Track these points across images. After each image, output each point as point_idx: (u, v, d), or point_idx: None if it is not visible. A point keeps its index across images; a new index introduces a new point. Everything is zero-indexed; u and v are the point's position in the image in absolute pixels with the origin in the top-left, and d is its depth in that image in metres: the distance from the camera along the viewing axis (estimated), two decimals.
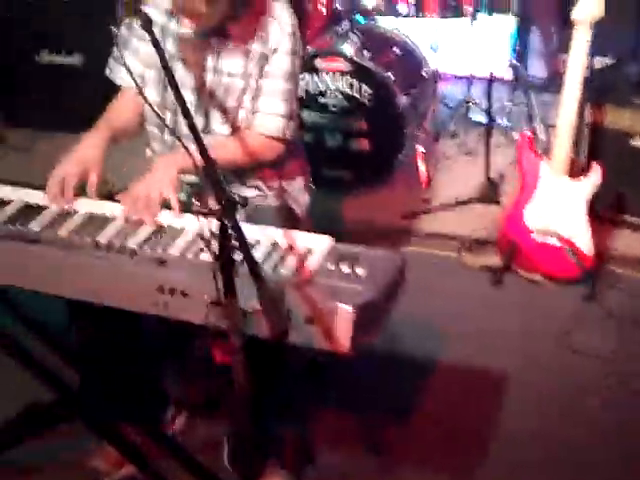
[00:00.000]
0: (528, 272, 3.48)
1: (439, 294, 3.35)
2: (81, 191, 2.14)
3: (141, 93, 1.95)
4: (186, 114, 1.74)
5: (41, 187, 2.16)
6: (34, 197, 2.13)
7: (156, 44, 1.82)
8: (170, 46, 2.30)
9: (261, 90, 2.32)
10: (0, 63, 4.89)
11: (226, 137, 2.34)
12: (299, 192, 2.58)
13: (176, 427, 2.62)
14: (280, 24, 2.29)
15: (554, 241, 3.41)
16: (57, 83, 4.78)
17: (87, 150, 2.23)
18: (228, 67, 2.30)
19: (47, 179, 2.15)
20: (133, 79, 1.92)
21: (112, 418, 2.38)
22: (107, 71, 2.47)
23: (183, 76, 2.30)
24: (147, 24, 1.81)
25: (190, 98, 2.30)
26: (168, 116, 2.36)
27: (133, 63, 2.37)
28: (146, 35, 2.16)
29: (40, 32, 4.74)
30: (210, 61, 2.30)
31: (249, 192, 2.43)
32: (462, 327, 3.17)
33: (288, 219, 2.43)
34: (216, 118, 2.33)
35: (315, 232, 2.00)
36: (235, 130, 2.35)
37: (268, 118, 2.33)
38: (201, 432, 2.62)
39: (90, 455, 2.47)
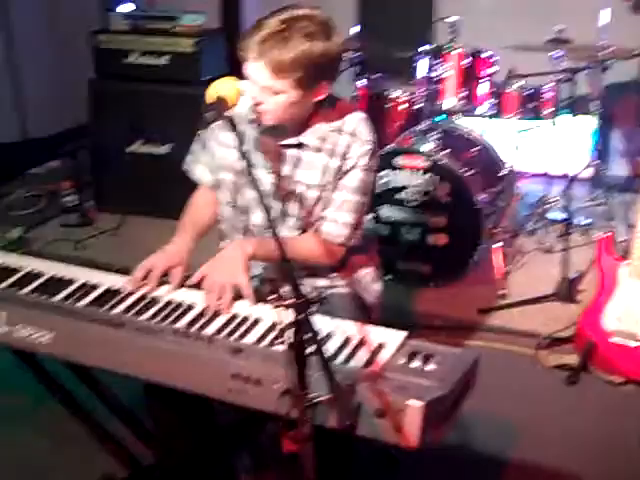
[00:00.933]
0: (605, 373, 3.42)
1: (513, 391, 3.31)
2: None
3: (251, 177, 2.00)
4: (266, 209, 1.82)
5: (127, 270, 2.26)
6: (119, 282, 2.22)
7: (240, 141, 1.93)
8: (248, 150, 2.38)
9: (333, 200, 2.37)
10: (95, 151, 5.14)
11: (296, 237, 2.40)
12: (369, 282, 2.61)
13: None
14: (360, 142, 2.33)
15: (633, 343, 3.35)
16: (145, 171, 5.00)
17: (174, 248, 2.36)
18: (305, 178, 2.36)
19: (134, 267, 2.25)
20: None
21: None
22: (184, 165, 2.58)
23: (259, 178, 2.34)
24: (231, 125, 1.92)
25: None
26: (240, 218, 2.45)
27: (209, 163, 2.49)
28: (222, 138, 2.27)
29: (133, 124, 4.99)
30: (287, 169, 2.37)
31: (320, 282, 2.47)
32: (536, 427, 3.11)
33: (359, 307, 2.47)
34: (286, 223, 2.39)
35: (387, 323, 2.02)
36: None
37: (334, 227, 2.38)
38: None
39: None
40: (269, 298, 1.67)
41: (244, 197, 2.41)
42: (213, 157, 2.47)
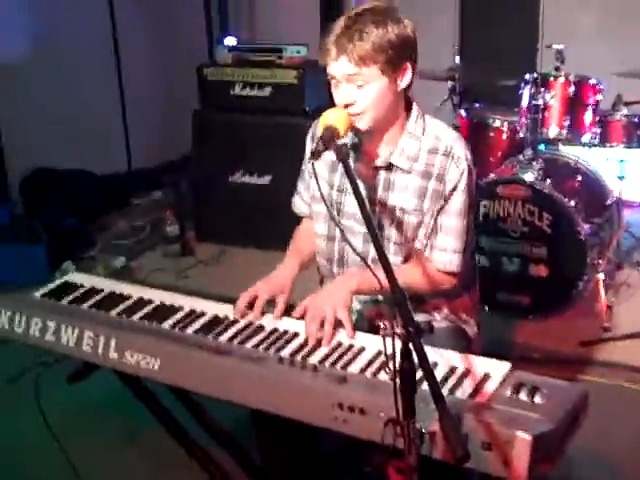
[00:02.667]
0: None
1: (619, 428, 3.21)
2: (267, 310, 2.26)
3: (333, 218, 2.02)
4: (374, 236, 1.83)
5: (231, 300, 2.29)
6: (224, 311, 2.26)
7: (348, 170, 1.95)
8: (340, 181, 2.40)
9: (439, 227, 2.35)
10: (196, 182, 5.26)
11: (406, 265, 2.39)
12: (469, 314, 2.57)
13: None
14: (457, 162, 2.29)
15: None
16: (246, 202, 5.08)
17: (280, 275, 2.38)
18: (400, 202, 2.33)
19: (238, 294, 2.28)
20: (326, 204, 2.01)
21: None
22: (292, 202, 2.63)
23: (354, 207, 2.29)
24: (344, 155, 1.96)
25: (361, 229, 2.35)
26: (336, 248, 2.45)
27: (306, 195, 2.54)
28: (317, 169, 2.28)
29: (235, 155, 5.09)
30: (379, 193, 2.35)
31: (419, 317, 2.43)
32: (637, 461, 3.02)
33: (460, 339, 2.45)
34: (388, 249, 2.37)
35: (487, 355, 2.00)
36: (407, 260, 2.39)
37: (445, 255, 2.36)
38: None
39: None
40: (380, 326, 1.67)
41: (342, 227, 2.41)
42: (309, 189, 2.51)
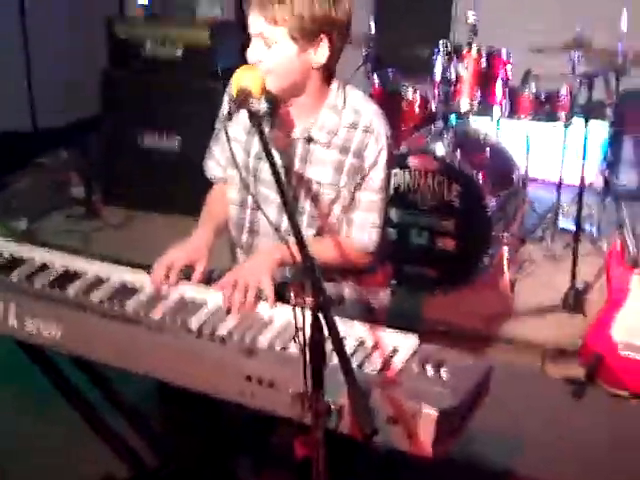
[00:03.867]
0: (613, 386, 3.39)
1: (518, 402, 3.28)
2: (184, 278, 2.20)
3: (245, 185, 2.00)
4: (288, 207, 1.81)
5: (136, 265, 2.24)
6: (130, 277, 2.19)
7: (262, 134, 1.92)
8: (259, 148, 2.34)
9: (358, 203, 2.34)
10: (104, 144, 5.12)
11: (323, 238, 2.37)
12: (379, 288, 2.58)
13: None
14: (376, 137, 2.29)
15: None
16: (155, 165, 4.97)
17: (196, 243, 2.32)
18: (317, 175, 2.32)
19: (145, 260, 2.22)
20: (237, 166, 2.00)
21: None
22: (204, 164, 2.56)
23: (269, 177, 2.27)
24: (257, 118, 1.93)
25: (276, 198, 2.31)
26: (248, 214, 2.42)
27: (220, 158, 2.48)
28: (232, 133, 2.24)
29: (143, 115, 4.96)
30: (296, 165, 2.33)
31: (327, 285, 2.40)
32: (540, 440, 3.09)
33: (366, 312, 2.44)
34: (301, 221, 2.35)
35: (394, 327, 2.00)
36: (319, 234, 2.38)
37: (364, 231, 2.36)
38: None
39: None
40: (291, 298, 1.65)
41: (256, 194, 2.38)
42: (225, 151, 2.45)
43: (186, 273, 2.22)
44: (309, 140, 2.31)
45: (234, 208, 2.45)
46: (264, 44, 2.16)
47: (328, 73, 2.29)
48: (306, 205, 2.35)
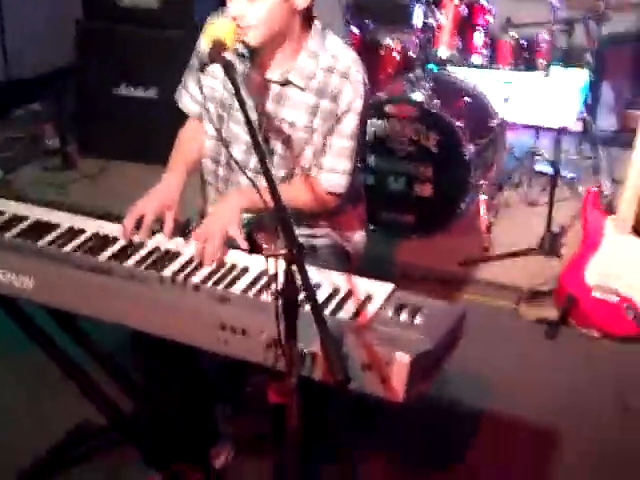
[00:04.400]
0: (585, 327, 3.44)
1: (492, 344, 3.32)
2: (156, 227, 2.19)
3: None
4: (259, 150, 1.79)
5: (111, 216, 2.22)
6: (104, 228, 2.19)
7: (235, 85, 1.90)
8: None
9: (329, 148, 2.33)
10: (80, 94, 5.06)
11: (291, 181, 2.37)
12: (353, 231, 2.59)
13: (222, 462, 2.63)
14: (353, 84, 2.27)
15: (613, 298, 3.37)
16: (131, 115, 4.92)
17: (166, 189, 2.30)
18: (290, 117, 2.31)
19: (121, 210, 2.21)
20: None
21: (161, 447, 2.43)
22: (175, 95, 2.53)
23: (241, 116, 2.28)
24: (229, 68, 1.90)
25: (246, 137, 2.31)
26: (223, 152, 2.40)
27: (195, 92, 2.44)
28: (211, 68, 2.22)
29: (121, 67, 4.90)
30: (270, 106, 2.32)
31: (302, 230, 2.41)
32: (514, 380, 3.14)
33: (341, 257, 2.46)
34: (271, 161, 2.34)
35: (368, 273, 2.01)
36: (290, 176, 2.37)
37: (333, 176, 2.35)
38: (247, 469, 2.63)
39: None
40: (263, 247, 1.64)
41: (228, 130, 2.37)
42: (198, 86, 2.41)
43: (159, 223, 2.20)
44: (285, 83, 2.29)
45: (210, 142, 2.43)
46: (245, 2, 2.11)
47: (307, 16, 2.27)
48: (277, 146, 2.34)
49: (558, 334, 3.44)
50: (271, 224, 1.69)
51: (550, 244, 3.99)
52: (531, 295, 3.65)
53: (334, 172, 2.35)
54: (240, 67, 2.29)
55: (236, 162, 2.09)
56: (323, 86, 2.28)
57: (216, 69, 2.30)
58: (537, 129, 4.63)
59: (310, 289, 1.60)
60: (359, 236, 2.61)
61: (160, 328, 1.90)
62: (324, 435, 2.36)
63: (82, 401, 2.38)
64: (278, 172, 2.34)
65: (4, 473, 2.53)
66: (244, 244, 2.09)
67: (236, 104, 2.27)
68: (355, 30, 4.57)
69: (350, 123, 2.31)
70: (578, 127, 4.82)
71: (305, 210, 2.36)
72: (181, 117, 2.55)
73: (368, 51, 4.45)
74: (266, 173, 1.75)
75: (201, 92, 2.17)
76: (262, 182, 1.75)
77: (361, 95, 2.30)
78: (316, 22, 2.30)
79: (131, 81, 4.93)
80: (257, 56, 2.29)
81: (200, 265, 2.04)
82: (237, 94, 1.89)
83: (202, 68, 2.04)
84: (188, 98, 2.49)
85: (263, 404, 2.18)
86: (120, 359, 2.44)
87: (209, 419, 2.57)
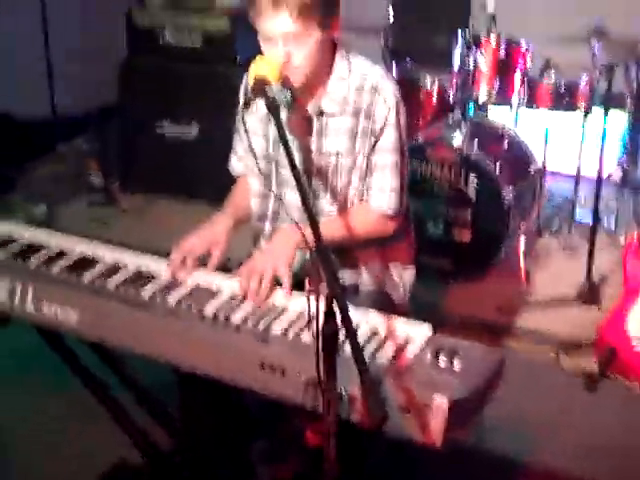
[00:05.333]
0: (626, 380, 3.38)
1: (531, 395, 3.27)
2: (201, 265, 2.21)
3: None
4: (303, 192, 1.80)
5: (153, 252, 2.25)
6: (147, 263, 2.22)
7: (278, 122, 1.91)
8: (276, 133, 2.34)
9: (374, 167, 2.30)
10: (123, 131, 5.14)
11: (343, 214, 2.33)
12: (400, 275, 2.56)
13: None
14: (384, 97, 2.25)
15: None
16: (173, 152, 4.99)
17: (214, 229, 2.32)
18: (334, 147, 2.28)
19: (162, 246, 2.23)
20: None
21: None
22: (229, 163, 2.56)
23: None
24: (274, 106, 1.92)
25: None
26: (271, 203, 2.42)
27: (241, 151, 2.48)
28: (249, 126, 2.23)
29: (162, 103, 4.99)
30: (314, 141, 2.30)
31: (345, 274, 2.41)
32: (553, 432, 3.09)
33: (385, 304, 2.41)
34: (324, 198, 2.34)
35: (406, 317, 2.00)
36: (343, 208, 2.34)
37: (382, 195, 2.31)
38: None
39: None
40: (306, 286, 1.65)
41: (278, 178, 2.38)
42: (242, 145, 2.46)
43: (204, 260, 2.22)
44: (321, 113, 2.28)
45: (256, 199, 2.45)
46: (290, 39, 2.09)
47: (335, 42, 2.27)
48: (327, 181, 2.31)
49: (598, 386, 3.37)
50: (314, 264, 1.69)
51: (590, 293, 3.95)
52: (571, 346, 3.61)
53: (383, 190, 2.31)
54: (283, 112, 2.27)
55: (288, 207, 2.06)
56: (357, 105, 2.26)
57: (253, 124, 2.32)
58: (577, 176, 4.61)
59: (351, 327, 1.60)
60: (408, 274, 2.58)
61: (200, 365, 1.91)
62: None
63: (122, 439, 2.39)
64: (330, 208, 2.33)
65: None
66: (287, 285, 2.08)
67: (281, 151, 2.31)
68: (395, 71, 4.60)
69: (389, 137, 2.28)
70: (618, 175, 4.79)
71: (360, 238, 2.33)
72: (223, 155, 2.59)
73: (407, 93, 4.44)
74: (308, 211, 1.76)
75: (247, 135, 2.18)
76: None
77: (394, 107, 2.26)
78: (340, 47, 2.29)
79: (173, 118, 5.00)
80: (295, 96, 2.25)
81: (241, 303, 2.05)
82: (278, 127, 1.89)
83: (246, 105, 2.05)
84: (235, 159, 2.52)
85: (301, 445, 2.19)
86: (161, 395, 2.45)
87: (245, 459, 2.57)
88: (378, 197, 2.32)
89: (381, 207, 2.33)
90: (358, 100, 2.26)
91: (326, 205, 2.35)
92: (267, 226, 2.46)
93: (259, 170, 2.34)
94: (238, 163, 2.52)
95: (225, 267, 2.23)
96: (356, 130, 2.27)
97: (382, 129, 2.27)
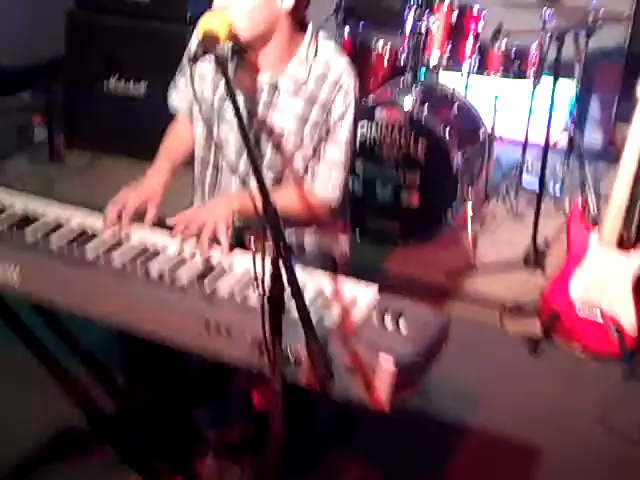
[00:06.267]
0: (568, 344, 3.44)
1: (475, 357, 3.32)
2: (136, 220, 2.18)
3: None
4: (251, 151, 1.79)
5: (97, 209, 2.20)
6: (90, 221, 2.17)
7: (226, 79, 1.87)
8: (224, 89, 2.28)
9: (322, 157, 2.34)
10: (68, 86, 5.03)
11: (281, 187, 2.36)
12: (338, 237, 2.58)
13: (203, 466, 2.60)
14: (344, 93, 2.27)
15: (597, 315, 3.37)
16: (120, 109, 4.91)
17: (149, 182, 2.31)
18: (280, 122, 2.30)
19: (106, 204, 2.19)
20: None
21: (143, 450, 2.41)
22: (168, 94, 2.53)
23: (232, 118, 2.23)
24: (221, 62, 1.89)
25: (236, 141, 2.32)
26: (212, 155, 2.40)
27: (186, 91, 2.44)
28: (200, 70, 2.23)
29: (110, 60, 4.88)
30: (260, 109, 2.31)
31: (288, 231, 2.39)
32: (495, 393, 3.14)
33: (326, 262, 2.44)
34: (261, 164, 2.33)
35: (352, 279, 1.98)
36: (279, 180, 2.37)
37: (327, 185, 2.35)
38: (228, 475, 2.60)
39: None
40: (251, 245, 1.63)
41: (218, 133, 2.36)
42: (189, 87, 2.40)
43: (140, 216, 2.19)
44: (275, 87, 2.28)
45: (199, 143, 2.43)
46: None
47: (298, 20, 2.26)
48: (267, 150, 2.33)
49: (541, 349, 3.43)
50: (260, 226, 1.67)
51: (535, 258, 4.00)
52: (515, 309, 3.65)
53: (328, 181, 2.35)
54: (230, 65, 2.26)
55: (228, 163, 2.07)
56: (314, 93, 2.27)
57: (205, 71, 2.30)
58: (525, 142, 4.64)
59: (297, 288, 1.58)
60: (343, 241, 2.60)
61: (144, 327, 1.87)
62: (305, 443, 2.35)
63: (64, 399, 2.35)
64: (267, 175, 2.33)
65: None
66: (226, 245, 2.06)
67: (226, 106, 2.28)
68: (347, 32, 4.56)
69: (343, 132, 2.31)
70: (565, 141, 4.83)
71: (295, 218, 2.35)
72: (170, 113, 2.55)
73: (359, 54, 4.45)
74: (258, 174, 1.74)
75: (193, 88, 2.17)
76: (251, 186, 1.73)
77: (353, 104, 2.30)
78: (309, 27, 2.29)
79: (121, 74, 4.92)
80: (247, 58, 2.27)
81: (186, 262, 2.02)
82: (228, 88, 1.87)
83: (193, 60, 2.02)
84: (179, 97, 2.48)
85: (246, 410, 2.18)
86: (102, 357, 2.42)
87: (190, 422, 2.55)
88: (322, 186, 2.36)
89: (324, 196, 2.37)
90: (316, 89, 2.27)
91: (263, 171, 2.32)
92: (208, 173, 2.43)
93: (200, 114, 2.32)
94: (182, 102, 2.48)
95: (161, 222, 2.19)
96: (307, 117, 2.29)
97: (336, 123, 2.30)
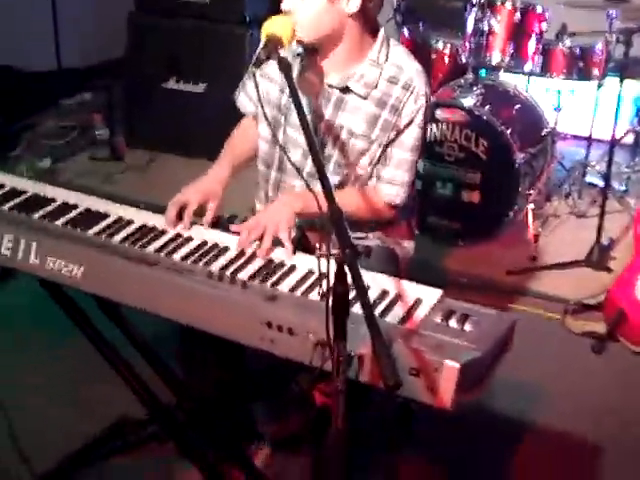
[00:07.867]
0: (633, 344, 3.37)
1: (538, 356, 3.27)
2: (197, 219, 2.18)
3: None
4: (316, 154, 1.77)
5: (158, 208, 2.20)
6: (152, 219, 2.17)
7: (290, 83, 1.88)
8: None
9: (389, 159, 2.34)
10: (129, 86, 5.09)
11: (350, 189, 2.36)
12: (403, 237, 2.57)
13: (260, 461, 2.60)
14: (415, 96, 2.27)
15: None
16: (179, 109, 4.95)
17: (210, 181, 2.31)
18: (349, 124, 2.29)
19: (167, 202, 2.19)
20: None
21: (201, 442, 2.41)
22: (234, 95, 2.54)
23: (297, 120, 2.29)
24: (285, 67, 1.89)
25: (303, 142, 2.28)
26: (277, 150, 2.39)
27: (252, 92, 2.45)
28: (268, 71, 2.25)
29: (170, 60, 4.94)
30: (328, 111, 2.31)
31: (353, 234, 2.38)
32: (558, 393, 3.09)
33: (390, 262, 2.44)
34: (327, 167, 2.33)
35: (414, 279, 1.97)
36: (344, 183, 2.36)
37: (392, 188, 2.36)
38: (286, 470, 2.61)
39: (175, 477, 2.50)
40: (316, 248, 1.61)
41: (284, 134, 2.36)
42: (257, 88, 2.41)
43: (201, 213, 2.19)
44: (345, 90, 2.28)
45: (264, 144, 2.43)
46: None
47: (368, 25, 2.26)
48: (334, 153, 2.33)
49: (605, 349, 3.37)
50: (324, 227, 1.66)
51: (599, 257, 3.92)
52: (578, 308, 3.59)
53: (393, 184, 2.36)
54: (296, 67, 2.28)
55: (294, 165, 2.06)
56: (385, 97, 2.27)
57: (272, 72, 2.31)
58: (589, 140, 4.55)
59: (362, 289, 1.56)
60: (408, 244, 2.59)
61: (206, 323, 1.87)
62: (363, 439, 2.33)
63: (124, 392, 2.37)
64: (333, 179, 2.32)
65: (44, 462, 2.52)
66: (289, 246, 2.05)
67: (292, 107, 2.26)
68: (406, 33, 4.52)
69: (412, 135, 2.32)
70: (630, 140, 4.74)
71: (359, 219, 2.35)
72: (229, 113, 2.56)
73: (419, 54, 4.36)
74: (323, 176, 1.72)
75: (257, 92, 2.17)
76: (316, 188, 1.72)
77: (423, 108, 2.30)
78: (381, 31, 2.30)
79: (180, 75, 4.96)
80: (314, 58, 2.28)
81: (248, 261, 2.01)
82: (292, 92, 1.87)
83: (256, 65, 2.02)
84: (245, 98, 2.49)
85: (306, 406, 2.17)
86: (165, 351, 2.43)
87: (248, 416, 2.55)
88: (388, 188, 2.36)
89: (388, 198, 2.37)
90: (388, 92, 2.27)
91: (328, 174, 2.31)
92: (272, 174, 2.43)
93: (266, 117, 2.31)
94: (249, 102, 2.49)
95: (221, 220, 2.19)
96: (377, 119, 2.29)
97: (406, 126, 2.30)
